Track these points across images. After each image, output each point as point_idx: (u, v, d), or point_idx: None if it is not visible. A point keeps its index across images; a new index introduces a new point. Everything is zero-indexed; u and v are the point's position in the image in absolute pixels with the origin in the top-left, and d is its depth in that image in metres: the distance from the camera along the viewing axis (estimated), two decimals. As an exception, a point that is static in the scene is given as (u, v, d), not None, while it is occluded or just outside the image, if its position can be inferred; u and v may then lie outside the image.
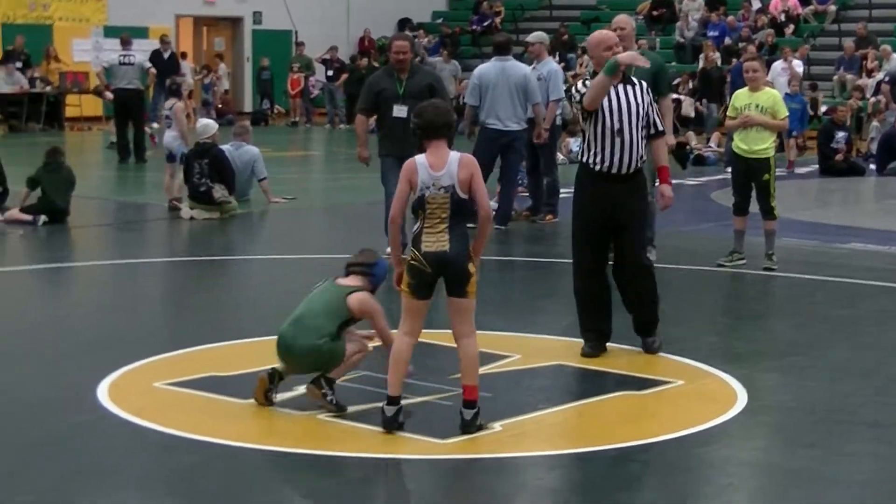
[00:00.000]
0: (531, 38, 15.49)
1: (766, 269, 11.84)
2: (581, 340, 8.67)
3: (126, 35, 23.65)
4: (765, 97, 11.92)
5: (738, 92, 12.24)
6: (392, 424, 6.76)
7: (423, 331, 7.09)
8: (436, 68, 29.63)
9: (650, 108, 8.49)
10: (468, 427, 6.76)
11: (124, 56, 22.50)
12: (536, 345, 8.94)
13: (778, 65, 25.82)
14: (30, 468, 6.27)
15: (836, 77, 28.96)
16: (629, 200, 8.43)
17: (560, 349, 8.76)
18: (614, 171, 8.36)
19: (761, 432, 7.10)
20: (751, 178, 11.93)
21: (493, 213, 14.32)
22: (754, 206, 12.10)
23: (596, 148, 8.36)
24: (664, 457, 6.60)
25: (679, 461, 6.57)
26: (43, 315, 10.35)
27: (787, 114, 12.29)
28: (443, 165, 6.77)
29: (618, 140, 8.33)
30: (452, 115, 7.01)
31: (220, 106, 31.41)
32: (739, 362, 8.44)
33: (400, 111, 12.01)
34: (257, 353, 8.13)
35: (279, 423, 7.00)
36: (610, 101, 8.32)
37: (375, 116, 12.46)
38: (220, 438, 6.63)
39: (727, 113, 12.30)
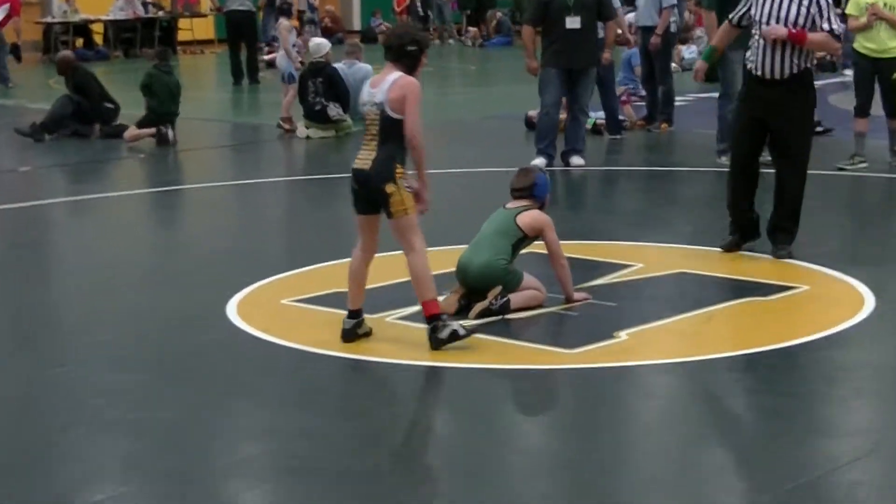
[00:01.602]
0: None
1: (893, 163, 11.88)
2: (703, 247, 8.76)
3: None
4: None
5: None
6: (349, 336, 6.88)
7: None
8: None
9: (812, 16, 8.44)
10: (433, 342, 6.73)
11: None
12: (658, 253, 8.92)
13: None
14: (169, 384, 6.44)
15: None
16: (781, 104, 8.52)
17: (682, 257, 8.74)
18: (767, 76, 8.48)
19: (890, 335, 7.04)
20: (878, 77, 11.76)
21: (604, 123, 14.43)
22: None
23: (753, 54, 8.55)
24: (793, 361, 6.59)
25: (808, 365, 6.56)
26: (167, 236, 10.57)
27: None
28: (380, 83, 6.80)
29: (769, 47, 8.40)
30: (408, 40, 6.84)
31: (329, 24, 31.40)
32: (865, 266, 8.36)
33: (573, 22, 12.20)
34: (380, 268, 8.15)
35: (406, 336, 7.07)
36: (762, 10, 8.47)
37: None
38: (349, 353, 6.73)
39: (847, 11, 12.05)
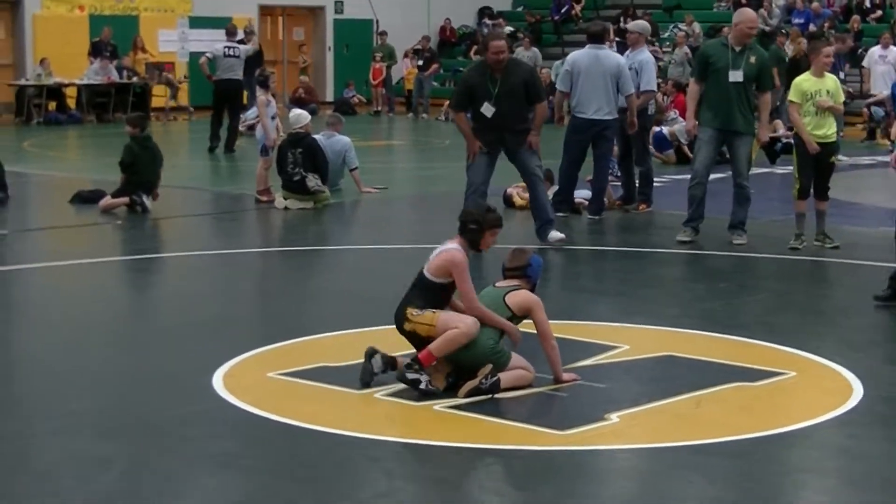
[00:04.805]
0: (631, 26, 15.47)
1: (832, 248, 12.20)
2: (688, 330, 8.86)
3: (232, 25, 23.78)
4: (830, 82, 12.24)
5: (803, 78, 12.29)
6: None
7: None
8: (518, 56, 29.63)
9: None
10: (398, 374, 7.34)
11: (229, 48, 22.56)
12: (644, 335, 8.91)
13: (875, 51, 25.43)
14: (157, 454, 6.35)
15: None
16: None
17: (668, 339, 8.73)
18: None
19: (882, 424, 7.01)
20: (820, 160, 12.11)
21: (587, 202, 14.49)
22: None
23: None
24: (784, 448, 6.56)
25: (800, 453, 6.53)
26: (148, 305, 10.49)
27: (843, 98, 12.66)
28: (441, 246, 7.65)
29: None
30: (471, 219, 7.62)
31: (303, 95, 31.44)
32: (851, 352, 8.37)
33: (487, 109, 12.18)
34: (365, 344, 8.17)
35: (397, 413, 7.05)
36: None
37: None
38: (341, 429, 6.66)
39: (791, 98, 12.27)
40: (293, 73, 35.00)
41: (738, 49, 12.59)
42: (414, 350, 7.49)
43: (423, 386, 7.21)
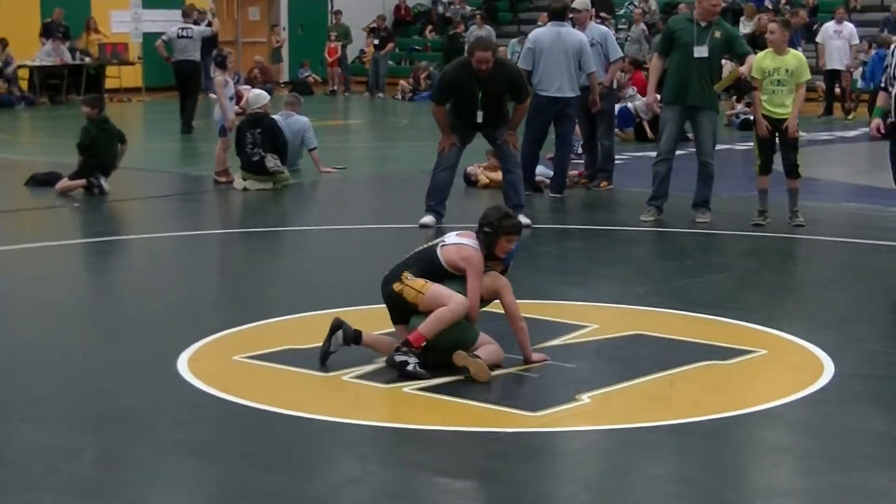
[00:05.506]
0: (578, 4, 15.38)
1: (796, 225, 12.11)
2: (656, 309, 8.76)
3: (188, 7, 23.60)
4: (792, 60, 12.09)
5: (763, 55, 12.19)
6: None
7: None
8: (471, 34, 29.50)
9: None
10: (388, 357, 7.21)
11: (183, 30, 22.44)
12: (612, 314, 8.84)
13: (830, 26, 25.46)
14: (127, 442, 6.23)
15: (882, 36, 28.57)
16: None
17: (636, 318, 8.66)
18: None
19: (855, 400, 6.96)
20: (781, 137, 12.10)
21: (548, 180, 14.42)
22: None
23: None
24: (761, 427, 6.51)
25: (776, 432, 6.48)
26: (108, 289, 10.34)
27: (809, 77, 12.41)
28: (460, 232, 7.58)
29: None
30: (486, 223, 7.43)
31: (258, 76, 31.17)
32: (820, 329, 8.34)
33: (479, 116, 12.03)
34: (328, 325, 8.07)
35: (367, 396, 6.95)
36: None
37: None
38: (310, 413, 6.56)
39: (752, 74, 12.20)
40: (248, 53, 34.73)
41: (703, 25, 12.50)
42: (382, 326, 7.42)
43: (410, 367, 7.09)
